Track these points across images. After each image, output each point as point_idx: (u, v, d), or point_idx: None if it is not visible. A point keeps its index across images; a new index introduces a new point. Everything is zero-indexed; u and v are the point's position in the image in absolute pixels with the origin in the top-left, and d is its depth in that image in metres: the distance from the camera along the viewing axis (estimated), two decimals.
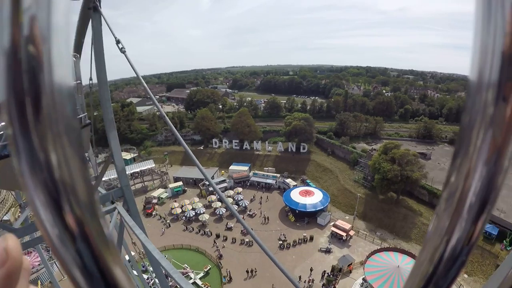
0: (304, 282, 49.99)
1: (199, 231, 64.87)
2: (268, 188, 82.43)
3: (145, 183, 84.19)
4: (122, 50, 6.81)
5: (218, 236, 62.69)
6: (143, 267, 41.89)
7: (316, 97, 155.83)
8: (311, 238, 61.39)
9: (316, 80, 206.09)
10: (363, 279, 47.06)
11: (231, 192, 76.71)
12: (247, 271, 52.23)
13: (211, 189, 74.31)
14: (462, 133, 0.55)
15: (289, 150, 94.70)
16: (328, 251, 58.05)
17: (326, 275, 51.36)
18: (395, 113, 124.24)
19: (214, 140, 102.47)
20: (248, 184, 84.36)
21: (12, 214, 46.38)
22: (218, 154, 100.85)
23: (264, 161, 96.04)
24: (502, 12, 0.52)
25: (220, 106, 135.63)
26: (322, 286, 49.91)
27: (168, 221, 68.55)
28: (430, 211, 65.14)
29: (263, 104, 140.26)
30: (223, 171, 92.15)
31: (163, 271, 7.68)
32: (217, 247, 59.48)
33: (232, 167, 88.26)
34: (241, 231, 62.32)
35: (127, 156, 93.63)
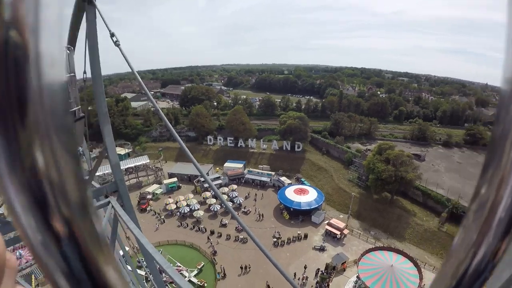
0: (298, 279, 50.12)
1: (194, 227, 64.87)
2: (263, 185, 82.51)
3: (139, 178, 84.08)
4: (117, 44, 6.74)
5: (212, 232, 62.73)
6: (139, 262, 41.79)
7: (311, 97, 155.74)
8: (306, 236, 61.53)
9: (311, 79, 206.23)
10: (357, 277, 47.21)
11: (226, 189, 76.81)
12: (241, 267, 52.35)
13: (206, 185, 74.39)
14: (494, 143, 0.54)
15: (284, 148, 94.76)
16: (322, 249, 58.22)
17: (320, 273, 51.47)
18: (390, 115, 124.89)
19: (209, 137, 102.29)
20: (243, 181, 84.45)
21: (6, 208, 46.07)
22: (212, 151, 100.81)
23: (259, 158, 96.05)
24: None
25: (215, 103, 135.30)
26: (316, 284, 49.99)
27: (163, 217, 68.52)
28: (424, 211, 65.66)
29: (258, 102, 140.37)
30: (218, 168, 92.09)
31: (157, 266, 7.64)
32: (211, 243, 59.47)
33: (227, 164, 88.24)
34: (236, 227, 62.34)
35: (121, 151, 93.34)
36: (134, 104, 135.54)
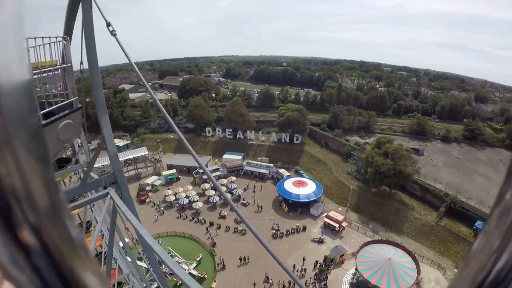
0: (297, 271, 50.34)
1: (193, 219, 64.99)
2: (261, 177, 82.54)
3: (138, 170, 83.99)
4: (113, 33, 6.66)
5: (211, 224, 62.87)
6: (139, 254, 41.84)
7: (310, 89, 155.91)
8: (304, 228, 61.70)
9: (310, 72, 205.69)
10: (355, 269, 47.35)
11: (224, 181, 76.87)
12: (240, 259, 52.57)
13: (205, 177, 74.38)
14: None
15: (283, 140, 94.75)
16: (320, 241, 58.39)
17: (318, 265, 51.67)
18: (389, 108, 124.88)
19: (207, 128, 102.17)
20: (242, 173, 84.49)
21: None
22: (211, 143, 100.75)
23: (257, 150, 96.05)
24: None
25: (213, 95, 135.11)
26: (314, 276, 50.18)
27: (162, 208, 68.57)
28: (422, 206, 65.81)
29: (257, 94, 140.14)
30: (216, 160, 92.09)
31: (156, 257, 7.61)
32: (210, 234, 59.70)
33: (225, 156, 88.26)
34: (235, 219, 62.46)
35: (120, 143, 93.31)
36: (132, 95, 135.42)
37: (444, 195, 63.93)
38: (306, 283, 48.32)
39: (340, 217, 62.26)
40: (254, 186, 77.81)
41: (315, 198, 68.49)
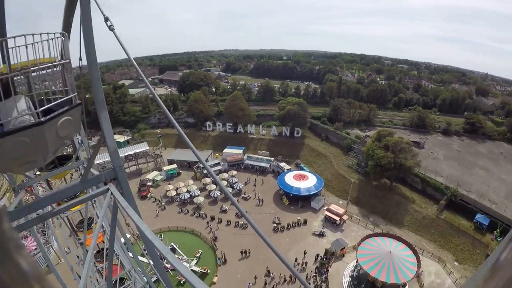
0: (298, 264, 50.60)
1: (194, 214, 65.12)
2: (262, 171, 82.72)
3: (139, 165, 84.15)
4: (111, 28, 6.67)
5: (213, 218, 63.08)
6: (143, 250, 41.92)
7: (310, 83, 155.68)
8: (305, 222, 61.88)
9: (310, 65, 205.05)
10: (356, 262, 47.44)
11: (225, 175, 77.07)
12: (242, 252, 52.83)
13: (205, 171, 74.52)
14: None
15: (283, 134, 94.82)
16: (321, 234, 58.57)
17: (319, 258, 51.93)
18: (389, 101, 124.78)
19: (207, 123, 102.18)
20: (243, 167, 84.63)
21: (8, 199, 46.25)
22: (212, 137, 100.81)
23: (258, 144, 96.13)
24: None
25: (214, 89, 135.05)
26: (315, 269, 50.38)
27: (163, 203, 68.69)
28: (422, 199, 66.01)
29: (257, 88, 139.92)
30: (217, 154, 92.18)
31: (157, 253, 7.65)
32: (211, 228, 59.89)
33: (226, 150, 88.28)
34: (236, 213, 62.67)
35: (120, 138, 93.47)
36: (132, 91, 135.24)
37: (445, 188, 64.01)
38: (307, 277, 48.53)
39: (340, 210, 62.42)
40: (255, 180, 78.01)
41: (316, 191, 68.61)
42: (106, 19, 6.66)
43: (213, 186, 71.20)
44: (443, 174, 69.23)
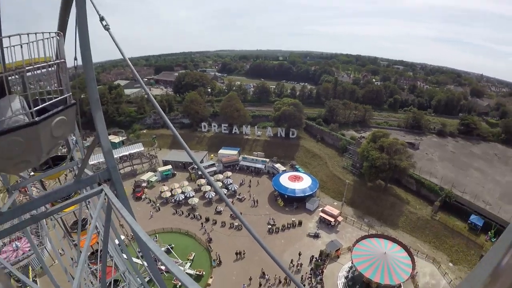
0: (293, 266, 50.68)
1: (189, 215, 64.90)
2: (257, 172, 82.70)
3: (134, 166, 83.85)
4: (106, 27, 6.64)
5: (207, 219, 62.90)
6: (138, 251, 41.70)
7: (306, 83, 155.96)
8: (300, 223, 61.90)
9: (306, 66, 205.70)
10: (351, 262, 47.47)
11: (220, 176, 77.02)
12: (236, 253, 52.77)
13: (200, 172, 74.44)
14: None
15: (278, 135, 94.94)
16: (316, 236, 58.63)
17: (314, 259, 51.92)
18: (385, 102, 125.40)
19: (203, 123, 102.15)
20: (238, 168, 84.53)
21: (1, 199, 46.03)
22: (207, 138, 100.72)
23: (253, 145, 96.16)
24: None
25: (209, 90, 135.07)
26: (310, 270, 50.35)
27: (158, 204, 68.33)
28: (417, 200, 66.24)
29: (252, 89, 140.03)
30: (212, 155, 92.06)
31: (152, 254, 7.62)
32: (205, 229, 59.73)
33: (221, 151, 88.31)
34: (231, 215, 62.54)
35: (115, 139, 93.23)
36: (127, 91, 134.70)
37: (439, 189, 64.27)
38: (302, 278, 48.52)
39: (335, 212, 62.53)
40: (250, 181, 78.04)
41: (311, 192, 68.66)
42: (102, 19, 6.64)
43: (208, 187, 71.13)
44: (438, 175, 69.51)
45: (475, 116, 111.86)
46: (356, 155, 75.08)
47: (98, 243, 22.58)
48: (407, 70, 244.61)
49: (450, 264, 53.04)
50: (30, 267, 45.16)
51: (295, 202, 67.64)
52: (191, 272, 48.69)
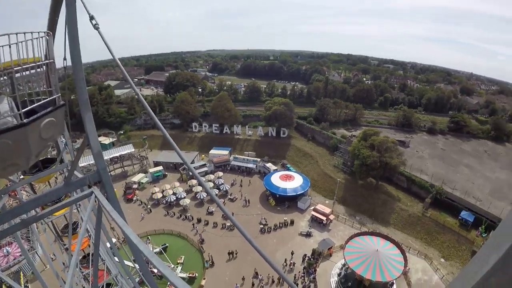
0: (286, 265, 50.74)
1: (180, 216, 64.56)
2: (248, 172, 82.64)
3: (124, 168, 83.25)
4: (96, 27, 6.55)
5: (199, 220, 62.60)
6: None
7: (297, 83, 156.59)
8: (292, 222, 61.95)
9: (297, 65, 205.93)
10: (344, 260, 47.52)
11: (211, 177, 76.82)
12: (229, 253, 52.66)
13: (191, 173, 74.10)
14: None
15: (269, 134, 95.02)
16: (308, 235, 58.71)
17: (306, 258, 52.01)
18: (375, 101, 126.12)
19: (194, 124, 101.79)
20: (229, 168, 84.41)
21: None
22: (198, 138, 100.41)
23: (244, 145, 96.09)
24: None
25: (200, 90, 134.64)
26: (303, 269, 50.44)
27: (149, 206, 67.93)
28: (408, 197, 66.80)
29: (243, 88, 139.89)
30: (203, 155, 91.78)
31: (143, 257, 7.54)
32: (196, 230, 59.49)
33: (212, 151, 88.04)
34: (222, 215, 62.32)
35: (105, 140, 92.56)
36: (117, 92, 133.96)
37: (430, 186, 64.77)
38: (295, 277, 48.59)
39: (327, 210, 62.67)
40: (241, 180, 77.99)
41: (302, 191, 68.85)
42: (92, 18, 6.55)
43: (199, 188, 70.75)
44: (428, 172, 69.92)
45: (465, 114, 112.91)
46: (347, 154, 75.32)
47: (90, 246, 22.35)
48: (397, 69, 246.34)
49: (442, 260, 53.56)
50: (21, 272, 44.55)
51: (286, 201, 67.67)
52: (184, 275, 48.30)
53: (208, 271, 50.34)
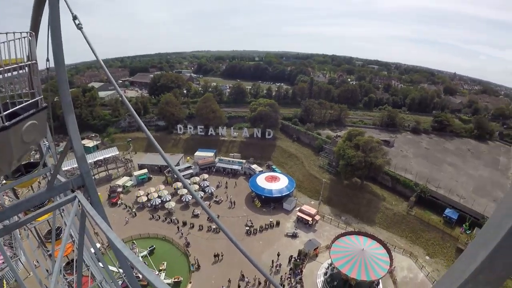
0: (272, 267, 50.69)
1: (166, 219, 63.89)
2: (234, 174, 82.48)
3: (109, 171, 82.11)
4: (79, 27, 6.44)
5: (184, 223, 62.11)
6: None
7: (282, 84, 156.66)
8: (278, 223, 61.95)
9: (282, 66, 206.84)
10: (330, 260, 47.64)
11: (197, 179, 76.41)
12: (215, 255, 52.32)
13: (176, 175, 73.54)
14: None
15: (255, 136, 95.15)
16: (294, 235, 58.79)
17: (293, 259, 52.04)
18: (360, 101, 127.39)
19: (178, 125, 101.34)
20: (214, 170, 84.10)
21: None
22: (183, 140, 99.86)
23: (229, 147, 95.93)
24: None
25: (185, 91, 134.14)
26: (289, 270, 50.47)
27: (134, 210, 66.97)
28: (393, 196, 67.45)
29: (228, 90, 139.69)
30: (188, 158, 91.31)
31: (128, 262, 7.42)
32: (181, 234, 59.08)
33: (197, 153, 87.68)
34: (208, 218, 61.97)
35: (90, 143, 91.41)
36: (101, 93, 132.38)
37: (414, 185, 65.56)
38: (281, 279, 48.55)
39: (313, 211, 62.84)
40: (226, 182, 77.77)
41: (288, 192, 68.96)
42: (75, 17, 6.44)
43: (185, 191, 70.09)
44: (413, 171, 70.77)
45: (448, 113, 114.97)
46: (332, 154, 75.70)
47: (74, 252, 21.96)
48: (382, 69, 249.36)
49: (427, 257, 54.29)
50: (4, 280, 43.70)
51: (272, 203, 67.74)
52: (168, 281, 47.71)
53: (194, 274, 49.94)
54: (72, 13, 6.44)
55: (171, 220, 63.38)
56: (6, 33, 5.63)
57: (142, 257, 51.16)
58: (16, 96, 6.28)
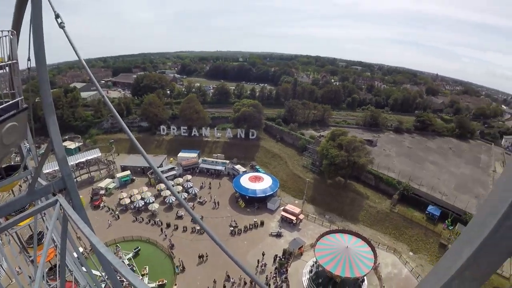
0: (257, 266, 50.76)
1: (149, 221, 63.26)
2: (217, 174, 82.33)
3: (91, 173, 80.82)
4: (61, 25, 6.31)
5: (168, 225, 61.61)
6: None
7: (265, 84, 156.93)
8: (262, 223, 62.04)
9: (266, 67, 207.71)
10: (316, 259, 47.81)
11: (180, 180, 75.97)
12: (200, 256, 52.12)
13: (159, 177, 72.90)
14: None
15: (238, 136, 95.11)
16: (279, 235, 58.95)
17: (278, 258, 52.16)
18: (343, 102, 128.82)
19: (162, 126, 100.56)
20: (198, 171, 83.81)
21: None
22: (166, 141, 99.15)
23: (213, 147, 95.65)
24: None
25: (168, 92, 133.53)
26: (274, 270, 50.53)
27: (117, 212, 66.04)
28: (376, 194, 68.24)
29: (212, 90, 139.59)
30: (171, 159, 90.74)
31: (111, 266, 7.31)
32: (165, 235, 58.61)
33: (180, 154, 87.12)
34: (192, 219, 61.64)
35: (71, 145, 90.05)
36: (84, 94, 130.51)
37: (397, 183, 66.43)
38: (267, 278, 48.58)
39: (297, 210, 63.15)
40: (210, 183, 77.56)
41: (272, 192, 69.12)
42: (57, 16, 6.30)
43: (168, 192, 69.57)
44: (395, 170, 71.59)
45: (430, 113, 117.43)
46: (316, 154, 76.12)
47: (56, 257, 21.56)
48: (365, 70, 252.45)
49: (411, 253, 55.24)
50: None
51: (256, 203, 67.84)
52: (152, 285, 47.12)
53: (179, 276, 49.57)
54: (54, 11, 6.32)
55: (154, 222, 62.83)
56: None
57: (128, 259, 50.56)
58: None
